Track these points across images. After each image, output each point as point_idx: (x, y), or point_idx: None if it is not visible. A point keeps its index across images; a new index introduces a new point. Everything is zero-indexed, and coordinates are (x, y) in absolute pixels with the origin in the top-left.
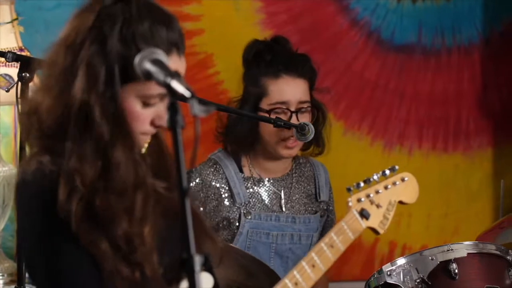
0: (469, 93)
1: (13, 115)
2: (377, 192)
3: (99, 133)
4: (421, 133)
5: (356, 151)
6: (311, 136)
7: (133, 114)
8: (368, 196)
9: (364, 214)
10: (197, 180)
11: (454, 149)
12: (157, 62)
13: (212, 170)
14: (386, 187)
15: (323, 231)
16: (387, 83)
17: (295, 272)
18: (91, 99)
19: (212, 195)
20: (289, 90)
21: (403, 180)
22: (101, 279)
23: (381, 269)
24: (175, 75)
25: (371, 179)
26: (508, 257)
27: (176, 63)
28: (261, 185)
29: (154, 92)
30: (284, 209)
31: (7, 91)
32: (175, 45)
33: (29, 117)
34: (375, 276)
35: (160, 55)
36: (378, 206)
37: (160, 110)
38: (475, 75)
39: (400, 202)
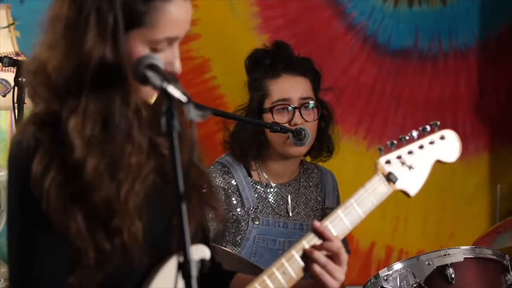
0: (466, 97)
1: (10, 120)
2: (410, 152)
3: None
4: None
5: (352, 156)
6: (307, 140)
7: None
8: (399, 157)
9: (391, 178)
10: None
11: None
12: (153, 67)
13: (221, 173)
14: (421, 147)
15: None
16: (384, 88)
17: (304, 242)
18: (106, 51)
19: (222, 198)
20: (289, 87)
21: (442, 138)
22: (70, 261)
23: (378, 274)
24: (171, 79)
25: (408, 137)
26: (504, 262)
27: (181, 7)
28: (268, 189)
29: (161, 36)
30: (290, 214)
31: (4, 96)
32: None
33: (35, 77)
34: (372, 281)
35: (157, 60)
36: (410, 167)
37: (169, 56)
38: (472, 79)
39: (439, 162)
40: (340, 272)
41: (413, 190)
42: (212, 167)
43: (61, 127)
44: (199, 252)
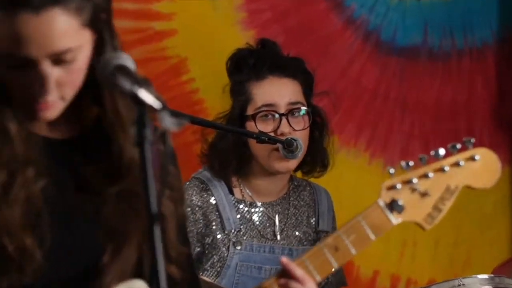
0: (482, 102)
1: None
2: (424, 176)
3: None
4: (426, 149)
5: (351, 171)
6: (299, 153)
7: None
8: (408, 182)
9: (394, 207)
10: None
11: None
12: (122, 68)
13: (198, 190)
14: (441, 169)
15: None
16: (388, 92)
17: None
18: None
19: (199, 219)
20: (274, 91)
21: (472, 159)
22: None
23: None
24: (143, 83)
25: (430, 156)
26: None
27: (28, 23)
28: (253, 209)
29: (4, 51)
30: (278, 237)
31: None
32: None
33: None
34: None
35: (126, 60)
36: (424, 194)
37: (28, 78)
38: (490, 81)
39: (468, 187)
40: None
41: (427, 222)
42: (187, 183)
43: None
44: None
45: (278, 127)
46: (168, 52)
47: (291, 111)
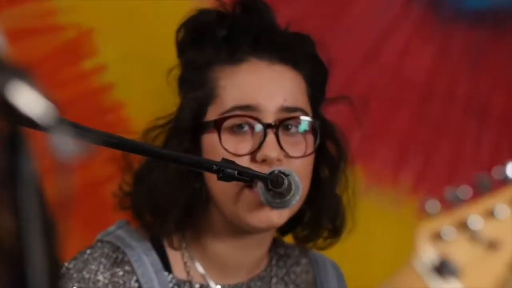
0: None
1: None
2: (489, 214)
3: None
4: None
5: (385, 226)
6: (294, 198)
7: None
8: (462, 225)
9: (446, 268)
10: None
11: None
12: None
13: (108, 263)
14: None
15: None
16: (453, 88)
17: None
18: None
19: None
20: (258, 84)
21: None
22: None
23: None
24: (18, 74)
25: (499, 176)
26: None
27: None
28: None
29: None
30: None
31: None
32: None
33: None
34: None
35: None
36: (491, 245)
37: None
38: None
39: None
40: None
41: None
42: (88, 251)
43: None
44: None
45: (259, 147)
46: (59, 18)
47: (284, 122)
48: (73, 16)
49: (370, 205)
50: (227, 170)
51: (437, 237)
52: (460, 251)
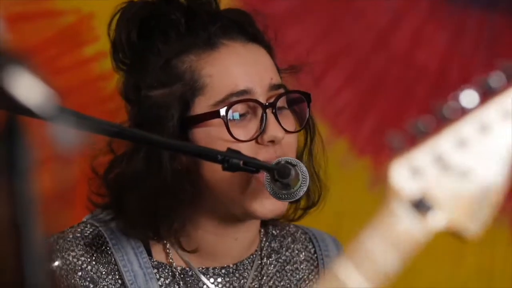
0: None
1: None
2: (461, 144)
3: None
4: None
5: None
6: (301, 189)
7: None
8: (437, 157)
9: (425, 203)
10: (55, 264)
11: None
12: None
13: (87, 247)
14: (484, 127)
15: None
16: (465, 76)
17: None
18: None
19: None
20: (245, 66)
21: None
22: None
23: None
24: (13, 61)
25: (449, 110)
26: None
27: None
28: (191, 283)
29: None
30: None
31: None
32: None
33: None
34: None
35: None
36: (464, 174)
37: None
38: None
39: None
40: None
41: (473, 223)
42: (69, 230)
43: None
44: None
45: (263, 129)
46: (57, 4)
47: (278, 100)
48: (71, 1)
49: (381, 196)
50: (232, 160)
51: (414, 173)
52: (437, 184)
